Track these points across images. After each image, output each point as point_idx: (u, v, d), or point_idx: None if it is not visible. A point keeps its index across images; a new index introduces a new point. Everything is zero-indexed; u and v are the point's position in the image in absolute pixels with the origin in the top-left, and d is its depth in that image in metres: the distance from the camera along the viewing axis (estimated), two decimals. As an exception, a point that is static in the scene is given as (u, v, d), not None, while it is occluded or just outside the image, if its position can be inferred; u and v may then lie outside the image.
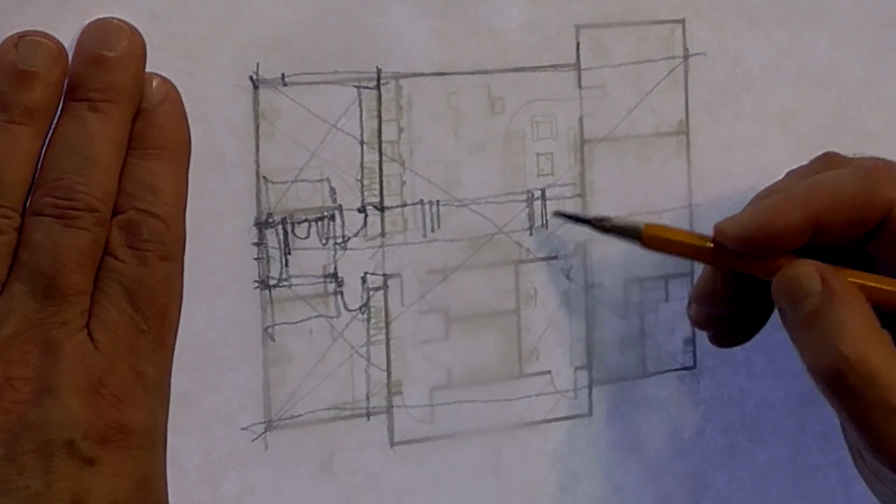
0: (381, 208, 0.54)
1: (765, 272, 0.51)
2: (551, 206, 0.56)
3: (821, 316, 0.49)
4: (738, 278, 0.53)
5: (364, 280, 0.54)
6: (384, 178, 0.54)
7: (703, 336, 0.59)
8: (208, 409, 0.51)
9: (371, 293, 0.54)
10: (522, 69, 0.55)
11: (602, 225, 0.53)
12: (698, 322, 0.55)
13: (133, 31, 0.48)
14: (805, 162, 0.56)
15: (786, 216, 0.51)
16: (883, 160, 0.52)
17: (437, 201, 0.54)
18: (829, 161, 0.54)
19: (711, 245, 0.52)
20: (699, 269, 0.59)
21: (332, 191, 0.53)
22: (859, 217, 0.51)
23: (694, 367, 0.59)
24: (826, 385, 0.48)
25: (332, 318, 0.53)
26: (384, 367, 0.54)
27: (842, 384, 0.48)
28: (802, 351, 0.50)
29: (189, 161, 0.49)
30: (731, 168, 0.59)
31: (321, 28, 0.52)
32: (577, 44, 0.56)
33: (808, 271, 0.50)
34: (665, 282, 0.58)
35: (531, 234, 0.56)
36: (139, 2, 0.49)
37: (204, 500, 0.51)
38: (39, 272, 0.45)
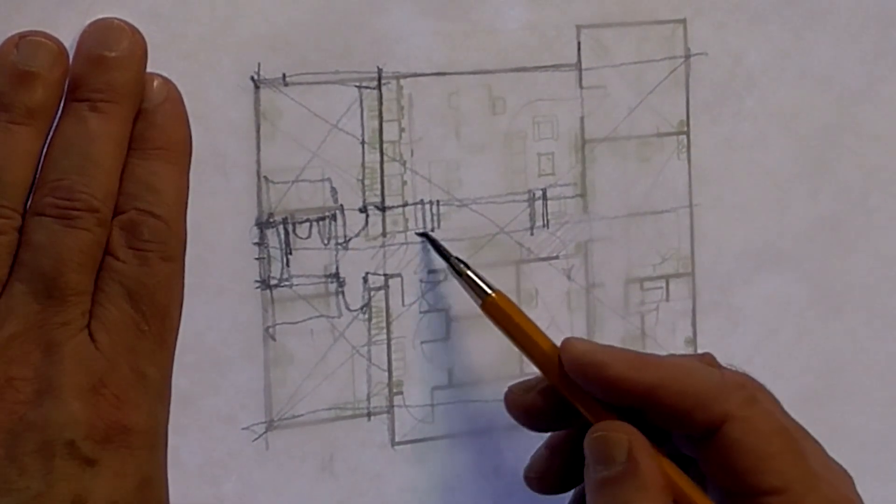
0: (383, 208, 0.54)
1: (588, 413, 0.50)
2: (552, 206, 0.56)
3: (615, 485, 0.48)
4: (565, 406, 0.51)
5: (365, 280, 0.54)
6: (385, 178, 0.54)
7: (703, 336, 0.59)
8: (209, 409, 0.51)
9: (372, 293, 0.54)
10: (523, 69, 0.55)
11: (457, 269, 0.53)
12: (512, 412, 0.53)
13: (134, 31, 0.48)
14: (805, 161, 0.56)
15: (623, 366, 0.49)
16: (746, 378, 0.51)
17: (438, 201, 0.55)
18: (702, 358, 0.53)
19: (548, 349, 0.51)
20: (700, 269, 0.59)
21: (334, 191, 0.53)
22: (690, 411, 0.49)
23: (695, 366, 0.59)
24: None
25: (333, 318, 0.53)
26: (385, 367, 0.54)
27: None
28: None
29: (190, 161, 0.49)
30: (731, 168, 0.59)
31: (322, 28, 0.52)
32: (578, 44, 0.56)
33: (618, 437, 0.49)
34: (666, 282, 0.58)
35: (532, 234, 0.56)
36: (140, 2, 0.49)
37: (205, 500, 0.52)
38: (40, 272, 0.45)
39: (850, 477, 0.51)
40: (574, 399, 0.51)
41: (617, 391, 0.50)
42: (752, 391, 0.50)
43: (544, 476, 0.53)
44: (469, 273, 0.53)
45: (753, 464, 0.49)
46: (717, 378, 0.50)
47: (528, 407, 0.52)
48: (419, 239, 0.54)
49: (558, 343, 0.51)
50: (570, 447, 0.52)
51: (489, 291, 0.52)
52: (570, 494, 0.54)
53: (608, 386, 0.50)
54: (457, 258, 0.53)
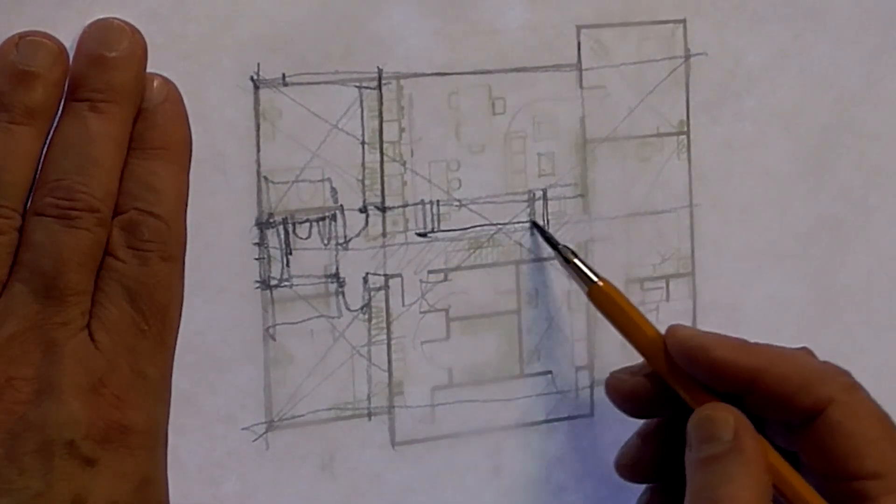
0: (383, 208, 0.54)
1: (691, 398, 0.51)
2: (552, 207, 0.56)
3: (720, 462, 0.49)
4: (664, 394, 0.52)
5: (365, 280, 0.54)
6: (385, 178, 0.54)
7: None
8: (209, 409, 0.51)
9: (372, 293, 0.54)
10: (523, 69, 0.55)
11: (564, 257, 0.54)
12: (613, 396, 0.54)
13: (134, 31, 0.48)
14: (805, 161, 0.56)
15: (728, 350, 0.51)
16: (842, 371, 0.52)
17: (438, 201, 0.55)
18: (803, 348, 0.53)
19: (653, 336, 0.52)
20: (700, 270, 0.59)
21: (334, 191, 0.53)
22: (792, 396, 0.50)
23: (695, 367, 0.59)
24: None
25: (333, 318, 0.53)
26: (385, 367, 0.54)
27: None
28: (688, 487, 0.49)
29: (190, 161, 0.49)
30: (731, 168, 0.59)
31: (322, 28, 0.52)
32: (578, 44, 0.56)
33: (725, 416, 0.50)
34: (666, 282, 0.58)
35: (532, 234, 0.56)
36: (140, 2, 0.49)
37: (205, 501, 0.51)
38: (40, 272, 0.45)
39: None
40: (677, 385, 0.52)
41: (722, 374, 0.51)
42: (852, 379, 0.51)
43: (636, 464, 0.54)
44: (576, 261, 0.54)
45: (854, 448, 0.50)
46: (819, 364, 0.52)
47: (628, 392, 0.53)
48: (419, 239, 0.54)
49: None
50: (661, 437, 0.54)
51: (595, 279, 0.53)
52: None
53: (713, 369, 0.51)
54: (565, 246, 0.54)
